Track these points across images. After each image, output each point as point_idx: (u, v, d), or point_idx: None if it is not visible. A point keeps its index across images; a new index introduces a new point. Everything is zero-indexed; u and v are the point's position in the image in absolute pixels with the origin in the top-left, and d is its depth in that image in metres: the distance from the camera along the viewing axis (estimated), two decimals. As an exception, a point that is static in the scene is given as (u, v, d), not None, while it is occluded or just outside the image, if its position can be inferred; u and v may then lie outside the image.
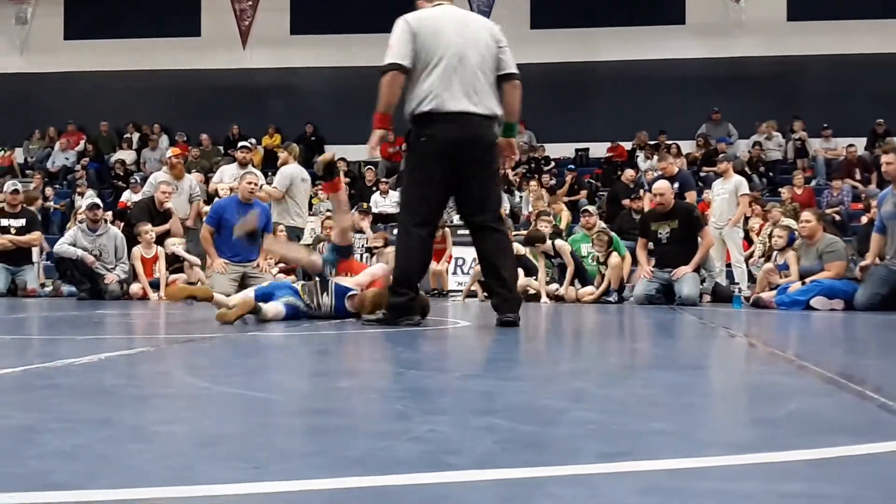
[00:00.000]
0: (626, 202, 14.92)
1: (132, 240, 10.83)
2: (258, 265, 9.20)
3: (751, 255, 12.20)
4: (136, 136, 20.86)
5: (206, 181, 13.84)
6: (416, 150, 5.10)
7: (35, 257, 12.41)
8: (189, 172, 13.00)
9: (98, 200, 11.44)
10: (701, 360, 3.66)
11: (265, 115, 20.33)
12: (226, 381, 2.51)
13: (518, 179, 17.31)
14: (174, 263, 10.83)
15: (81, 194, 16.91)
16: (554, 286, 11.00)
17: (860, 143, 18.05)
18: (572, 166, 18.02)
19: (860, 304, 8.04)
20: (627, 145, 19.06)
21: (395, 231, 5.32)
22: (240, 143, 12.01)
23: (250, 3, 21.05)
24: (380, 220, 15.72)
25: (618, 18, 19.74)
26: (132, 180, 15.11)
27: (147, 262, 10.62)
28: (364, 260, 12.36)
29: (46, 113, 20.96)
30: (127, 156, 19.97)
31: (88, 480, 1.23)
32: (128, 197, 14.50)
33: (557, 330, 5.60)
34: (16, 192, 11.84)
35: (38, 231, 12.05)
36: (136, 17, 21.03)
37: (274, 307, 5.57)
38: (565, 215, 14.51)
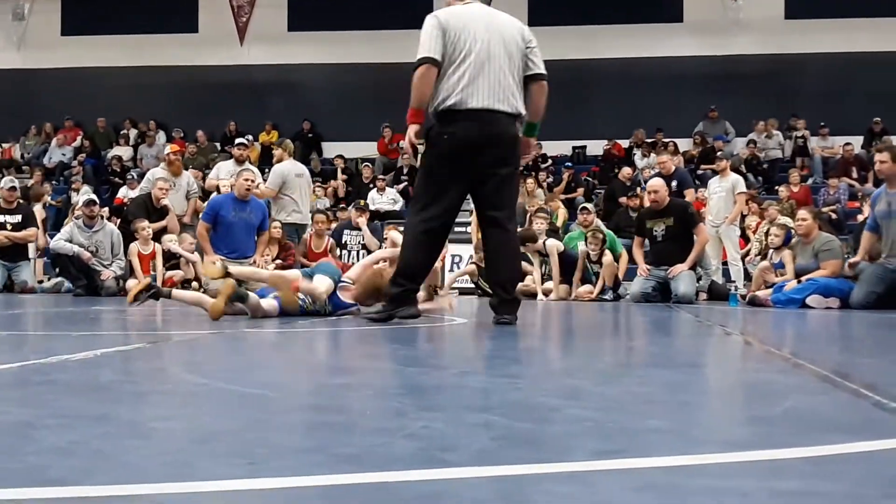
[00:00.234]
0: (622, 200, 14.94)
1: (129, 236, 10.82)
2: (255, 262, 9.20)
3: (747, 254, 12.21)
4: (133, 133, 20.84)
5: (203, 178, 13.83)
6: (436, 146, 5.07)
7: (31, 253, 12.40)
8: (186, 169, 12.99)
9: (94, 197, 11.43)
10: (697, 357, 3.67)
11: (263, 112, 20.32)
12: (222, 377, 2.52)
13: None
14: (170, 260, 10.83)
15: (77, 190, 16.89)
16: (548, 284, 11.00)
17: (857, 142, 18.06)
18: (569, 164, 18.02)
19: (856, 303, 8.05)
20: (625, 143, 19.07)
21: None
22: (237, 140, 11.99)
23: (248, -1, 21.07)
24: (377, 217, 15.72)
25: (616, 16, 19.74)
26: (129, 176, 15.08)
27: (144, 259, 10.61)
28: (360, 257, 12.36)
29: (43, 109, 20.94)
30: (124, 152, 19.95)
31: (85, 476, 1.24)
32: (124, 193, 14.49)
33: (553, 328, 5.61)
34: (13, 188, 11.83)
35: (35, 227, 12.03)
36: (133, 13, 21.01)
37: (267, 302, 5.58)
38: (562, 213, 14.52)
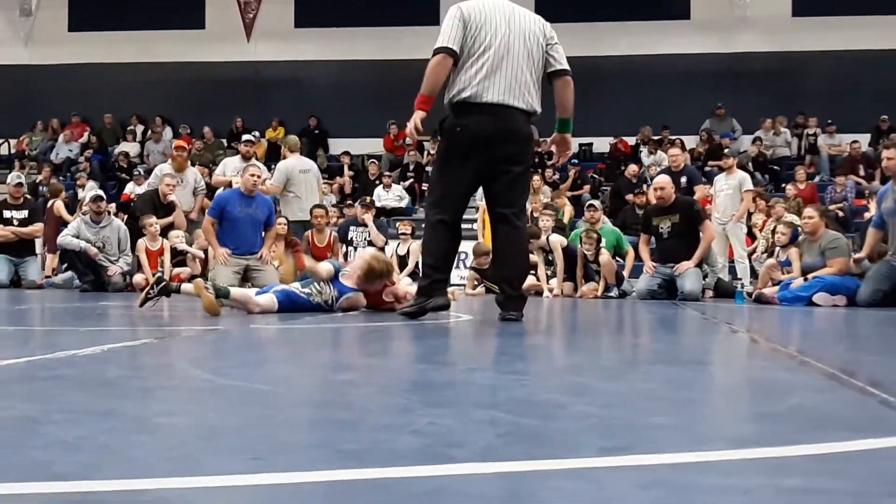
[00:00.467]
0: (629, 197, 14.92)
1: (136, 232, 10.84)
2: (261, 257, 9.21)
3: (753, 251, 12.19)
4: (139, 129, 20.88)
5: (209, 174, 13.85)
6: (449, 138, 5.07)
7: (38, 248, 12.43)
8: (193, 165, 13.00)
9: (101, 192, 11.45)
10: (703, 355, 3.66)
11: (269, 109, 20.33)
12: (228, 373, 2.52)
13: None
14: (177, 257, 10.84)
15: (82, 186, 16.93)
16: (553, 282, 10.99)
17: (864, 140, 18.02)
18: (575, 161, 17.98)
19: (862, 301, 8.03)
20: (631, 140, 19.04)
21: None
22: (243, 137, 12.00)
23: (255, -5, 21.09)
24: (383, 213, 15.72)
25: (622, 13, 19.71)
26: (135, 173, 15.13)
27: (152, 255, 10.62)
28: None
29: (50, 105, 20.98)
30: (130, 148, 20.00)
31: (91, 471, 1.24)
32: (131, 189, 14.52)
33: (559, 325, 5.61)
34: (19, 184, 11.86)
35: (41, 222, 12.06)
36: (140, 9, 21.03)
37: (266, 298, 5.59)
38: (568, 210, 14.50)
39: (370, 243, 11.86)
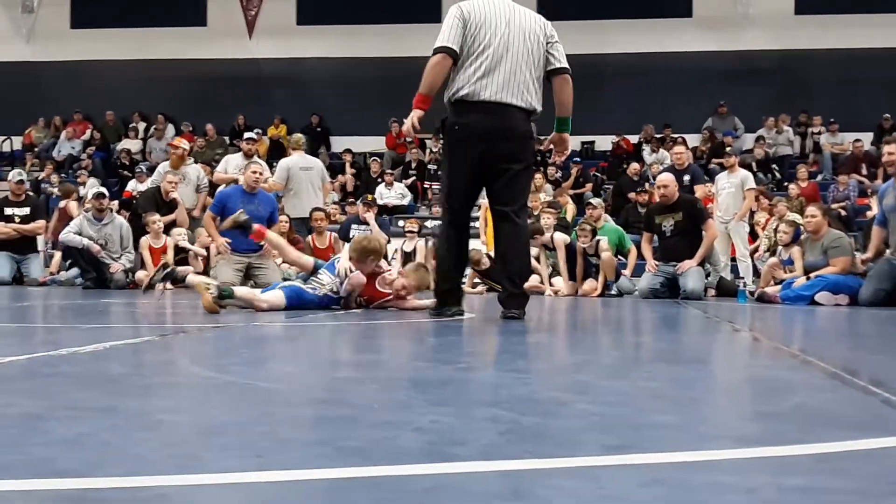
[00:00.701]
0: (631, 195, 14.91)
1: (139, 229, 10.84)
2: (264, 253, 9.20)
3: (756, 250, 12.18)
4: (142, 126, 20.89)
5: (212, 171, 13.85)
6: (449, 137, 5.12)
7: (40, 245, 12.44)
8: (196, 162, 13.01)
9: (104, 189, 11.45)
10: (705, 353, 3.66)
11: (271, 106, 20.34)
12: (230, 370, 2.52)
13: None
14: (179, 254, 10.85)
15: (83, 184, 16.94)
16: (557, 280, 10.99)
17: (867, 138, 18.00)
18: (578, 159, 17.99)
19: (864, 300, 8.02)
20: (633, 138, 19.03)
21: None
22: (245, 135, 12.02)
23: (257, -8, 21.09)
24: (385, 211, 15.72)
25: (625, 11, 19.69)
26: (137, 170, 15.13)
27: (155, 252, 10.63)
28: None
29: (52, 102, 20.98)
30: (133, 145, 20.00)
31: (93, 468, 1.24)
32: (133, 186, 14.52)
33: (561, 323, 5.60)
34: (21, 181, 11.87)
35: (43, 219, 12.07)
36: (142, 6, 21.04)
37: (273, 295, 5.61)
38: (570, 208, 14.49)
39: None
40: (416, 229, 12.78)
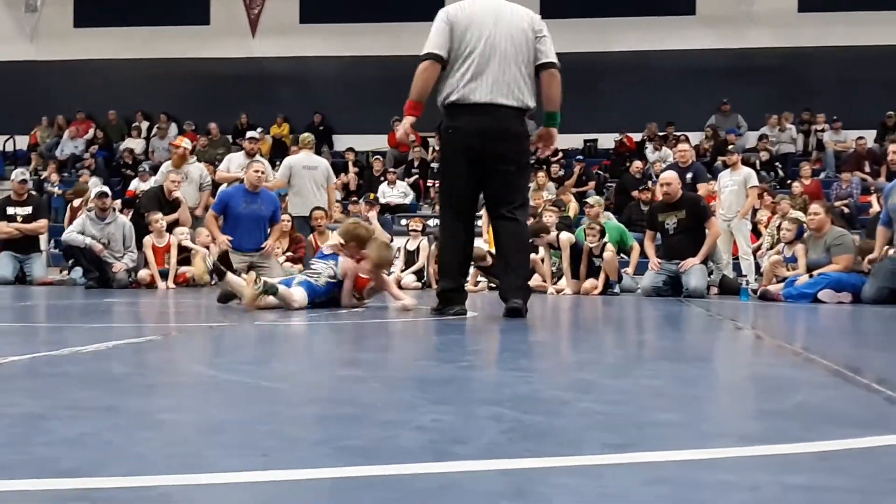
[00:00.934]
0: (634, 193, 14.90)
1: (142, 229, 10.84)
2: (265, 248, 9.17)
3: (759, 248, 12.17)
4: (144, 125, 20.89)
5: (214, 171, 13.85)
6: (444, 140, 5.19)
7: (43, 245, 12.44)
8: (199, 161, 13.02)
9: (106, 189, 11.45)
10: (708, 352, 3.66)
11: (274, 105, 20.33)
12: (232, 369, 2.52)
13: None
14: (182, 254, 10.85)
15: (84, 183, 16.93)
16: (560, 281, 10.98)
17: (870, 136, 17.96)
18: (581, 157, 17.98)
19: (868, 298, 8.01)
20: (636, 136, 19.01)
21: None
22: (248, 134, 12.03)
23: (260, -9, 21.09)
24: (387, 210, 15.72)
25: (628, 8, 19.66)
26: (140, 169, 15.13)
27: (159, 251, 10.63)
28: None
29: (56, 101, 20.98)
30: (136, 145, 20.00)
31: (96, 468, 1.24)
32: (136, 185, 14.52)
33: (563, 321, 5.60)
34: (23, 181, 11.87)
35: (45, 219, 12.07)
36: (146, 5, 21.03)
37: (298, 292, 5.66)
38: (573, 206, 14.48)
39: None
40: (419, 228, 12.78)
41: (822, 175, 17.23)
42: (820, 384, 2.33)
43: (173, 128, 20.37)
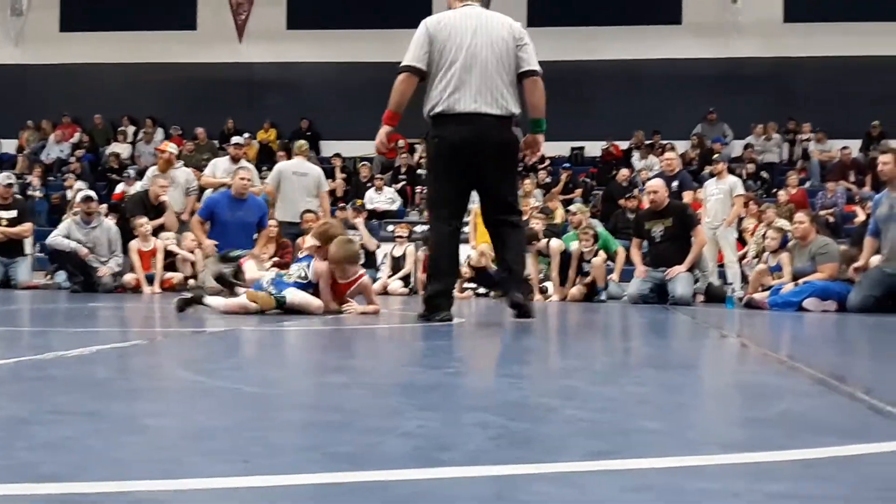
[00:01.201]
0: (621, 201, 14.94)
1: (127, 233, 10.80)
2: (252, 254, 9.16)
3: (744, 256, 12.21)
4: (130, 130, 20.83)
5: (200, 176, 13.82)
6: (430, 150, 5.28)
7: (28, 249, 12.38)
8: (185, 166, 12.98)
9: (92, 193, 11.41)
10: (693, 359, 3.67)
11: (261, 110, 20.30)
12: (218, 375, 2.51)
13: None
14: (168, 258, 10.81)
15: (69, 187, 16.88)
16: (548, 285, 10.99)
17: (855, 146, 18.07)
18: (567, 165, 18.02)
19: (853, 306, 8.04)
20: (623, 144, 19.07)
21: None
22: (233, 139, 12.01)
23: (247, -4, 21.07)
24: (374, 216, 15.71)
25: (614, 17, 19.74)
26: (125, 174, 15.08)
27: (145, 256, 10.60)
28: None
29: (41, 105, 20.90)
30: (122, 149, 19.93)
31: (78, 472, 1.23)
32: (124, 189, 14.47)
33: (551, 328, 5.61)
34: (9, 185, 11.83)
35: (30, 223, 12.02)
36: (132, 9, 20.98)
37: (299, 295, 5.66)
38: (560, 213, 14.51)
39: (362, 246, 11.85)
40: (405, 234, 12.78)
41: (808, 184, 17.32)
42: (804, 392, 2.34)
43: (159, 132, 20.31)
